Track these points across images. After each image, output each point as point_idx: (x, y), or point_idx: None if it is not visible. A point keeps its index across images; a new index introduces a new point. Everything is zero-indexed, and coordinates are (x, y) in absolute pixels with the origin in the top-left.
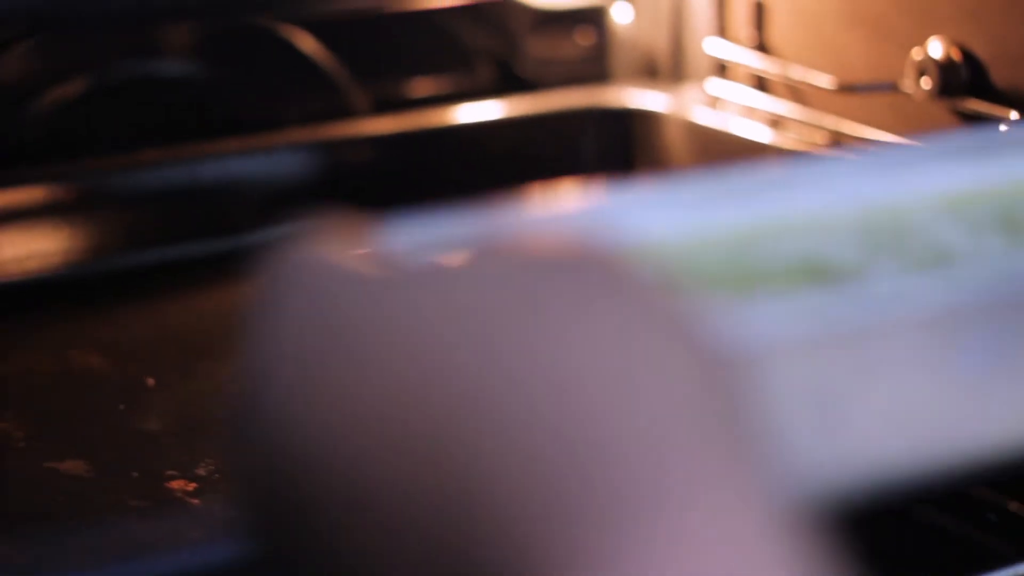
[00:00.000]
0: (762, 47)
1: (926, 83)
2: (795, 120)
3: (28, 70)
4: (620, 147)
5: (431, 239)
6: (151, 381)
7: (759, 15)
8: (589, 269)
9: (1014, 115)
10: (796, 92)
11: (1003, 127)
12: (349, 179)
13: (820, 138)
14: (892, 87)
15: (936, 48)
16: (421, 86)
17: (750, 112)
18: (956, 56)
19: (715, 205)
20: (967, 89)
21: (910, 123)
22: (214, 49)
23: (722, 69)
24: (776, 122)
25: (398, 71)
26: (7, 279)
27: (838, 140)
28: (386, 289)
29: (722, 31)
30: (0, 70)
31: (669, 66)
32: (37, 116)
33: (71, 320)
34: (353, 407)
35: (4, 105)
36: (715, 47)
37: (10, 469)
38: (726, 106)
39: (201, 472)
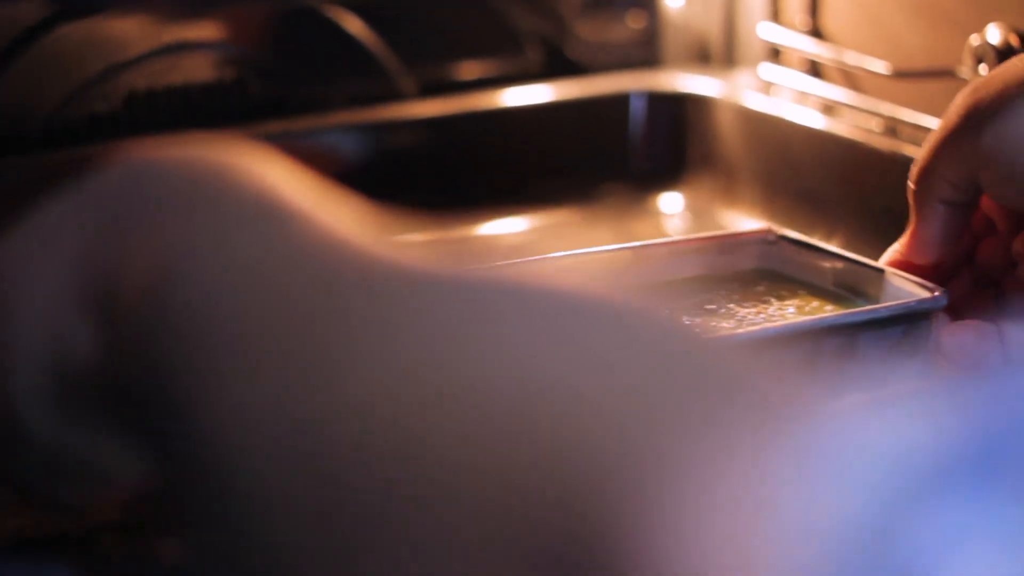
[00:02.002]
0: (816, 32)
1: (984, 69)
2: (849, 106)
3: (70, 52)
4: (671, 132)
5: None
6: None
7: None
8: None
9: None
10: (850, 78)
11: None
12: (395, 162)
13: (875, 124)
14: (949, 73)
15: (994, 34)
16: (469, 69)
17: (803, 98)
18: (1015, 42)
19: None
20: None
21: None
22: (260, 29)
23: (775, 54)
24: (830, 108)
25: (446, 53)
26: None
27: (893, 127)
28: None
29: (775, 15)
30: (40, 53)
31: (721, 50)
32: (77, 100)
33: None
34: None
35: (44, 89)
36: (768, 32)
37: None
38: (779, 92)
39: None
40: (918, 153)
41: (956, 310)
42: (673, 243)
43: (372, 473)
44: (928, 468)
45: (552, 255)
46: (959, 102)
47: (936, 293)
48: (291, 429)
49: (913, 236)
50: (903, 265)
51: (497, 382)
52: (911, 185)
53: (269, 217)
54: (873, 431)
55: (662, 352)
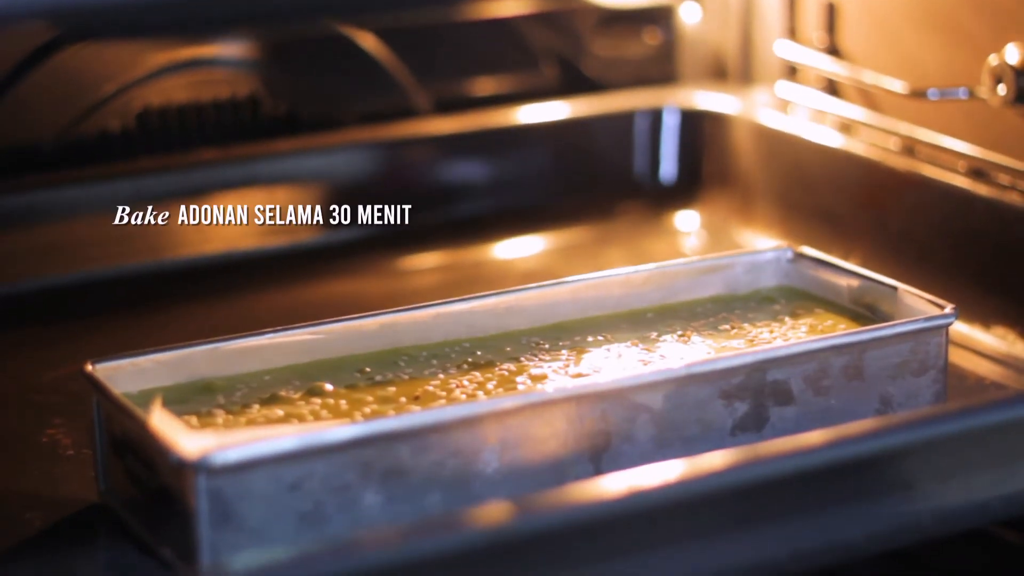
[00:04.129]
0: (833, 50)
1: (1002, 89)
2: (866, 125)
3: (82, 70)
4: (687, 149)
5: None
6: None
7: (831, 17)
8: None
9: None
10: (868, 97)
11: None
12: (409, 179)
13: (892, 144)
14: (967, 93)
15: (1013, 54)
16: (484, 86)
17: (820, 116)
18: None
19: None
20: None
21: (985, 130)
22: (273, 47)
23: (792, 72)
24: (847, 127)
25: (460, 70)
26: (52, 280)
27: (910, 146)
28: None
29: (792, 33)
30: (53, 71)
31: (738, 68)
32: (90, 118)
33: (119, 324)
34: None
35: (57, 107)
36: (785, 49)
37: (59, 477)
38: (796, 110)
39: None
40: (936, 173)
41: None
42: (691, 263)
43: None
44: None
45: (572, 279)
46: None
47: (946, 310)
48: None
49: None
50: None
51: None
52: None
53: None
54: None
55: None
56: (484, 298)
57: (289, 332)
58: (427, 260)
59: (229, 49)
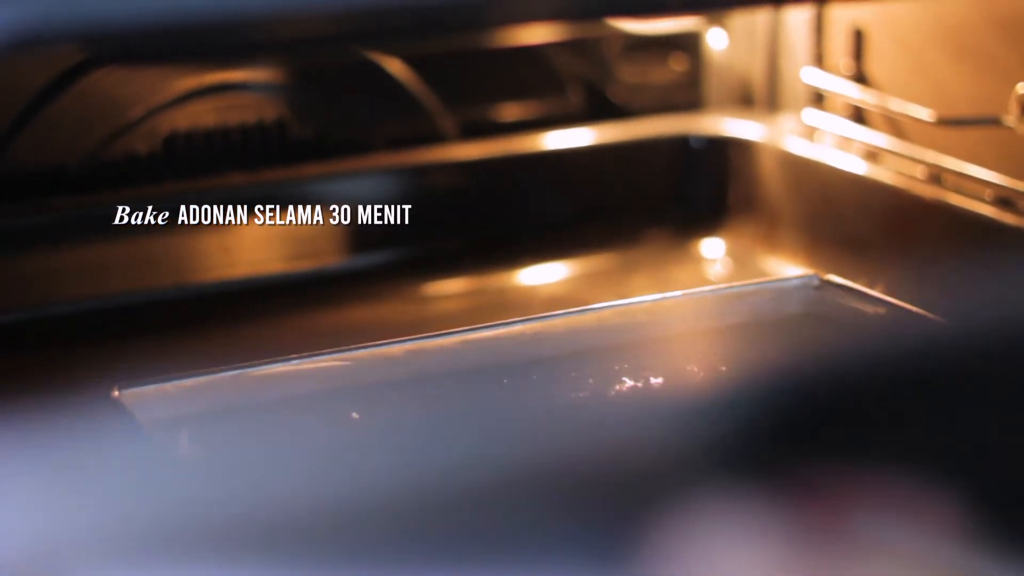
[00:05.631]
0: (860, 78)
1: None
2: (893, 153)
3: (109, 92)
4: (713, 176)
5: None
6: None
7: (857, 45)
8: None
9: None
10: (894, 124)
11: None
12: (435, 205)
13: (919, 172)
14: (995, 121)
15: None
16: (510, 111)
17: (847, 144)
18: None
19: None
20: None
21: (1013, 159)
22: (300, 71)
23: (819, 99)
24: (873, 155)
25: (486, 95)
26: (77, 304)
27: (937, 175)
28: None
29: (819, 60)
30: (80, 94)
31: (764, 94)
32: (117, 141)
33: (144, 348)
34: None
35: (84, 130)
36: (812, 76)
37: None
38: (822, 137)
39: None
40: (962, 202)
41: None
42: (717, 290)
43: None
44: None
45: (598, 306)
46: None
47: None
48: None
49: None
50: None
51: None
52: None
53: None
54: None
55: None
56: (510, 325)
57: (314, 358)
58: (451, 286)
59: (257, 74)
